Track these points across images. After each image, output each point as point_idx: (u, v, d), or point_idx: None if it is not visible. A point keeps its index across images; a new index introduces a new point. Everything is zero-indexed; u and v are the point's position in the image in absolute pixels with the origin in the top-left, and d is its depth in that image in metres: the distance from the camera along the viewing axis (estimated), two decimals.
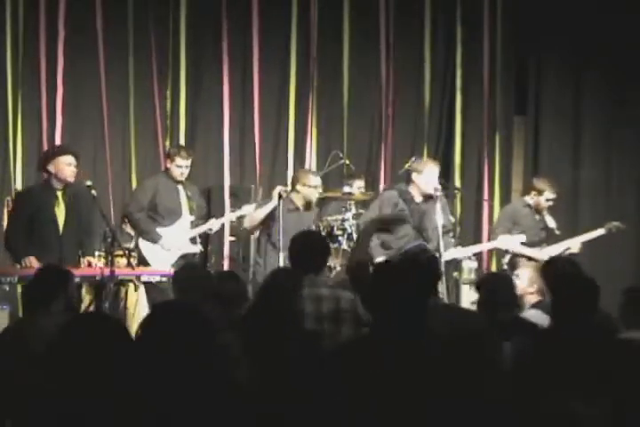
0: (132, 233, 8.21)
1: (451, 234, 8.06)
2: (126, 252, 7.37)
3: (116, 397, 2.97)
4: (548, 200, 8.27)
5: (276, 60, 9.48)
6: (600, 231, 8.31)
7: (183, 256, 7.87)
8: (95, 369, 2.99)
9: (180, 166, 7.84)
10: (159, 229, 7.82)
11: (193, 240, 7.99)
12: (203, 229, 8.03)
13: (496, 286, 5.35)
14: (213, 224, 8.06)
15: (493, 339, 4.36)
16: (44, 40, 8.87)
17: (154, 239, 7.80)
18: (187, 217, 7.92)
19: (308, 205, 7.93)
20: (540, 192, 8.28)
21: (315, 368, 3.67)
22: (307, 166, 9.43)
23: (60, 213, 7.14)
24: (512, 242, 8.00)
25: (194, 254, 8.02)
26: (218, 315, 4.71)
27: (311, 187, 7.94)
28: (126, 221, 8.23)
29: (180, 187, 7.94)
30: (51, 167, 7.14)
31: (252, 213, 7.89)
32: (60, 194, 7.15)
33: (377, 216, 7.74)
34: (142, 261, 7.70)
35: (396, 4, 9.59)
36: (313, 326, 4.93)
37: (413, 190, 7.80)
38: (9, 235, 7.27)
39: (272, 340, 4.15)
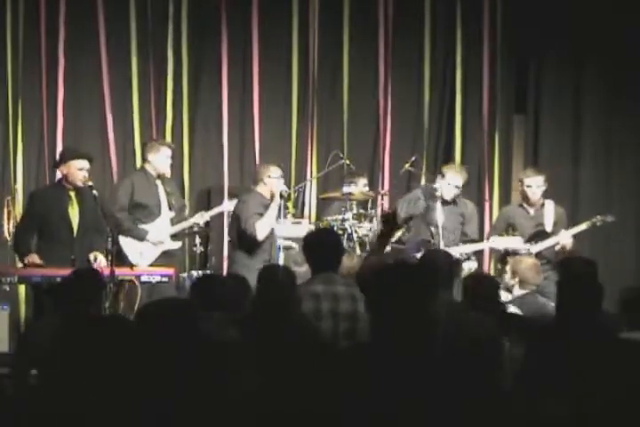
0: None
1: (471, 243, 8.13)
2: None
3: (114, 395, 2.98)
4: (529, 187, 8.15)
5: (276, 60, 9.48)
6: (582, 226, 8.18)
7: (165, 253, 7.87)
8: (95, 368, 3.00)
9: (168, 157, 7.90)
10: (143, 226, 7.83)
11: (174, 237, 7.98)
12: (188, 223, 8.03)
13: (477, 284, 5.37)
14: (202, 217, 8.08)
15: (501, 341, 4.37)
16: (44, 40, 8.87)
17: (140, 236, 7.78)
18: (167, 213, 7.92)
19: (281, 196, 7.87)
20: (521, 182, 8.28)
21: (314, 366, 3.66)
22: (307, 166, 9.44)
23: (74, 213, 7.16)
24: (503, 243, 7.99)
25: (175, 251, 8.02)
26: (223, 316, 4.71)
27: (276, 178, 7.95)
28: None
29: (159, 182, 7.95)
30: (63, 169, 7.18)
31: (263, 224, 7.78)
32: (73, 194, 7.17)
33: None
34: (122, 260, 7.64)
35: (396, 3, 9.59)
36: (330, 325, 4.92)
37: (440, 190, 7.98)
38: (18, 233, 7.30)
39: (273, 337, 4.15)
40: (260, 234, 7.72)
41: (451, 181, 8.08)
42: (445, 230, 7.91)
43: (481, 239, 8.41)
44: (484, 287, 5.33)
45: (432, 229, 7.87)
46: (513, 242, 7.96)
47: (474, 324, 4.79)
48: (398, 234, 7.93)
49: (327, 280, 5.08)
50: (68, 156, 7.29)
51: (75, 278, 5.30)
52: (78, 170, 7.13)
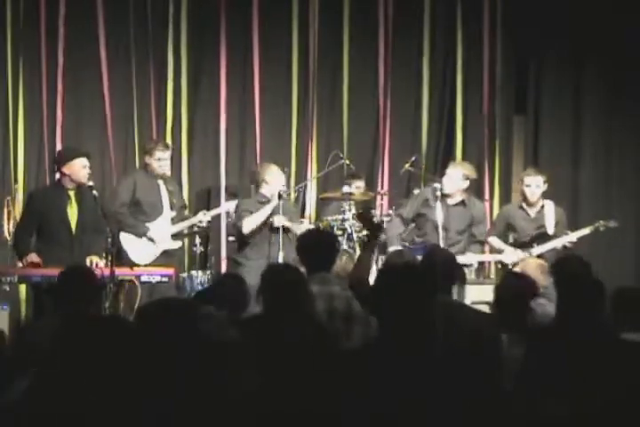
0: None
1: (479, 244, 8.12)
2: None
3: (114, 395, 2.98)
4: (528, 186, 8.12)
5: (276, 61, 9.49)
6: (585, 231, 8.17)
7: (165, 252, 7.87)
8: (95, 368, 3.00)
9: (160, 159, 7.85)
10: (145, 223, 7.83)
11: (175, 236, 7.98)
12: (189, 223, 8.03)
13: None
14: (203, 217, 8.06)
15: (500, 340, 4.36)
16: (44, 41, 8.87)
17: (142, 232, 7.77)
18: (168, 212, 7.92)
19: (279, 196, 7.87)
20: (521, 181, 8.25)
21: (314, 366, 3.66)
22: (307, 166, 9.44)
23: (73, 213, 7.16)
24: (513, 257, 7.96)
25: (175, 250, 8.03)
26: (222, 316, 4.71)
27: (278, 175, 8.00)
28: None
29: (161, 182, 7.93)
30: (66, 169, 7.17)
31: (251, 218, 7.84)
32: (72, 194, 7.17)
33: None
34: (123, 258, 7.64)
35: (396, 3, 9.59)
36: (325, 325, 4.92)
37: None
38: (17, 233, 7.31)
39: (274, 336, 4.14)
40: (246, 228, 7.82)
41: (450, 174, 8.04)
42: (452, 232, 7.90)
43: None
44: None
45: (440, 231, 7.87)
46: (520, 255, 7.92)
47: (474, 324, 4.79)
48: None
49: (322, 281, 5.08)
50: (69, 155, 7.29)
51: (73, 278, 5.30)
52: (82, 168, 7.15)
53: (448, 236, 7.86)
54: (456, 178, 7.98)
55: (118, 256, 7.52)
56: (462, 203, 8.04)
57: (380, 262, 7.73)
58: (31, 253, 7.02)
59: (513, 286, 5.31)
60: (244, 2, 9.37)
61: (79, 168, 7.14)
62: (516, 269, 6.57)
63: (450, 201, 7.98)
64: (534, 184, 8.10)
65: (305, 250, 5.28)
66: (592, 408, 3.70)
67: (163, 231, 7.84)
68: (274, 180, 7.96)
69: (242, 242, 7.97)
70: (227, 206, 8.25)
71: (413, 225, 8.16)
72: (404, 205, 8.28)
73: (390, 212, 8.48)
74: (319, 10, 9.45)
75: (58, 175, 7.36)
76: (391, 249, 7.67)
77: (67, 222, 7.12)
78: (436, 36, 9.75)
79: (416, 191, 8.49)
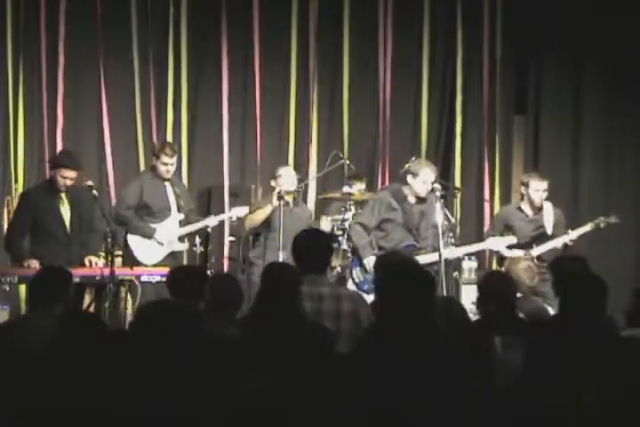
0: None
1: (449, 234, 8.06)
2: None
3: (110, 395, 2.98)
4: (537, 191, 8.10)
5: (277, 61, 9.49)
6: (586, 228, 8.17)
7: (171, 254, 7.88)
8: (88, 368, 3.00)
9: (166, 164, 7.83)
10: (151, 225, 7.83)
11: (181, 239, 7.98)
12: (196, 227, 8.02)
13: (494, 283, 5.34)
14: (211, 221, 8.06)
15: (486, 331, 4.36)
16: (44, 40, 8.88)
17: (148, 234, 7.78)
18: (175, 215, 7.92)
19: (279, 197, 7.79)
20: (526, 185, 8.22)
21: (324, 367, 3.66)
22: (308, 166, 9.44)
23: (66, 212, 7.19)
24: (500, 244, 7.96)
25: (180, 252, 8.04)
26: (216, 315, 4.73)
27: (279, 177, 7.98)
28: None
29: (167, 184, 7.93)
30: (51, 172, 7.23)
31: (251, 216, 7.90)
32: (63, 194, 7.19)
33: None
34: (130, 259, 7.66)
35: (396, 3, 9.60)
36: None
37: (407, 191, 7.84)
38: (10, 234, 7.30)
39: (274, 336, 4.14)
40: (246, 223, 8.00)
41: (426, 178, 7.90)
42: (422, 230, 7.83)
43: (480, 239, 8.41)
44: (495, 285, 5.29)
45: (413, 232, 7.83)
46: (509, 241, 7.92)
47: (472, 323, 4.80)
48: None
49: (313, 282, 5.07)
50: (58, 162, 7.29)
51: (39, 278, 5.28)
52: (62, 177, 7.15)
53: (419, 234, 7.82)
54: (429, 181, 7.87)
55: (127, 257, 7.57)
56: (422, 200, 7.91)
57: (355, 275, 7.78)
58: (30, 258, 7.01)
59: (493, 287, 5.29)
60: (245, 2, 9.38)
61: (59, 177, 7.16)
62: (503, 267, 6.55)
63: (411, 200, 7.91)
64: (542, 189, 8.09)
65: (299, 251, 5.26)
66: (591, 407, 3.70)
67: (170, 233, 7.85)
68: (278, 181, 7.96)
69: (253, 242, 8.05)
70: (235, 212, 8.20)
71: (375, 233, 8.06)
72: (363, 213, 8.12)
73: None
74: (319, 10, 9.46)
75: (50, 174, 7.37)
76: (367, 259, 7.65)
77: (61, 221, 7.14)
78: (437, 36, 9.75)
79: (373, 200, 8.32)
